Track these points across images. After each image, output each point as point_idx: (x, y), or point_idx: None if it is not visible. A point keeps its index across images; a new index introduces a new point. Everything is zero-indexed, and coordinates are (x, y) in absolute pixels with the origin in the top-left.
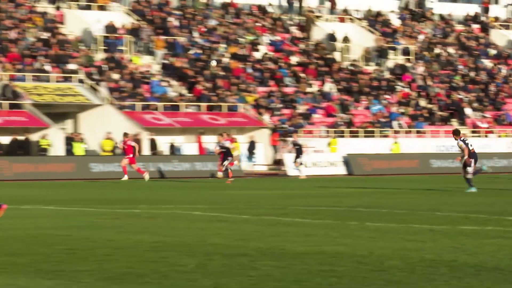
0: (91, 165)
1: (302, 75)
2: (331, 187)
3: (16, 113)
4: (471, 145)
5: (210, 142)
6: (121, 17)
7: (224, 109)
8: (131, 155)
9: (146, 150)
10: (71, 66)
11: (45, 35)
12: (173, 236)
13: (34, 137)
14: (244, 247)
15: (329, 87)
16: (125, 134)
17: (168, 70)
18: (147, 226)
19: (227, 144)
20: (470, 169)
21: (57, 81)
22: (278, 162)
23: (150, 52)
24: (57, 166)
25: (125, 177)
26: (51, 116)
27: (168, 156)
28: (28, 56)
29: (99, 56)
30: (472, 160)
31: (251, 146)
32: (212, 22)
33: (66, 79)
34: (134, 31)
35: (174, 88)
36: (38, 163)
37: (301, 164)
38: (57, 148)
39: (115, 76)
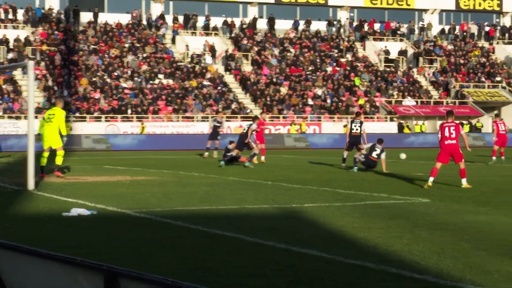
0: None
1: None
2: None
3: (462, 107)
4: None
5: None
6: None
7: None
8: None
9: None
10: (498, 78)
11: (482, 60)
12: None
13: (473, 121)
14: None
15: None
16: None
17: None
18: None
19: None
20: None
21: (488, 87)
22: None
23: None
24: None
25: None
26: (484, 109)
27: None
28: (472, 73)
29: None
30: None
31: None
32: None
33: (494, 87)
34: None
35: None
36: None
37: None
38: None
39: None
